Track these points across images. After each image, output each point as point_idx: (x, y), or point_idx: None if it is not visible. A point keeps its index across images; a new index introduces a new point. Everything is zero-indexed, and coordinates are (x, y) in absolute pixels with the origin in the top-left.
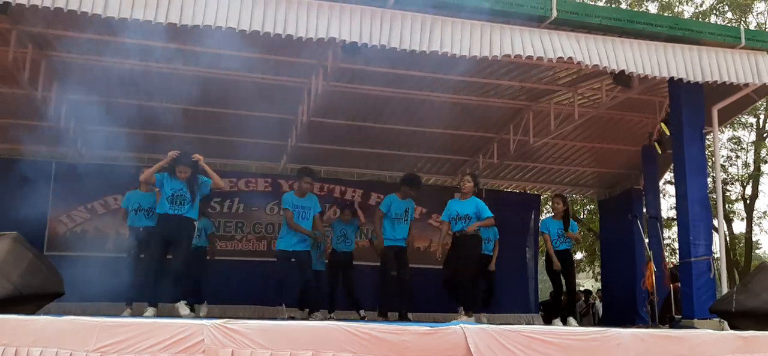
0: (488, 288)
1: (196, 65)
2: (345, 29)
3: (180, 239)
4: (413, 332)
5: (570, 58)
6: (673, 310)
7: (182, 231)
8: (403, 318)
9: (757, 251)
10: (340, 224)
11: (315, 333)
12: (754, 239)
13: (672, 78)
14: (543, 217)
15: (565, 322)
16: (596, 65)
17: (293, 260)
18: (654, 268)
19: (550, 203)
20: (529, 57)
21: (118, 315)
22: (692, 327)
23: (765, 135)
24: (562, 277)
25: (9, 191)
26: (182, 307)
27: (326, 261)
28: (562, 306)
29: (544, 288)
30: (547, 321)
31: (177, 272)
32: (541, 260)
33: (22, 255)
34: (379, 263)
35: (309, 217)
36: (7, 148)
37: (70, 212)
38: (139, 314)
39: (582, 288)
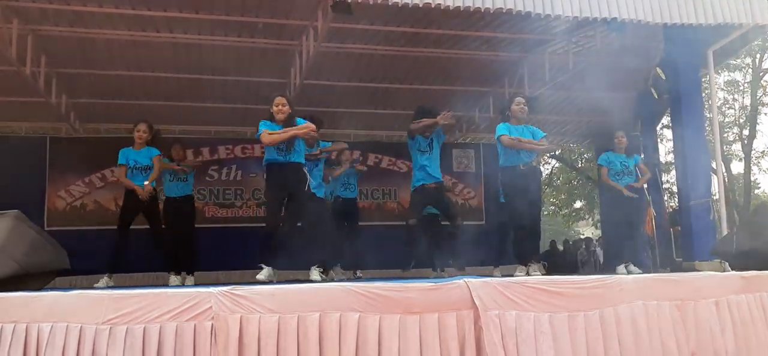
0: None
1: (186, 32)
2: None
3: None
4: (418, 288)
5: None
6: (674, 253)
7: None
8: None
9: (756, 191)
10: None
11: (321, 295)
12: (752, 179)
13: (666, 23)
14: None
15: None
16: (586, 17)
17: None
18: (654, 213)
19: (615, 138)
20: (520, 12)
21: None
22: (693, 269)
23: (761, 75)
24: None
25: (4, 169)
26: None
27: None
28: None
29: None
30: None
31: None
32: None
33: (25, 233)
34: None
35: None
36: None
37: (68, 187)
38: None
39: (582, 236)
